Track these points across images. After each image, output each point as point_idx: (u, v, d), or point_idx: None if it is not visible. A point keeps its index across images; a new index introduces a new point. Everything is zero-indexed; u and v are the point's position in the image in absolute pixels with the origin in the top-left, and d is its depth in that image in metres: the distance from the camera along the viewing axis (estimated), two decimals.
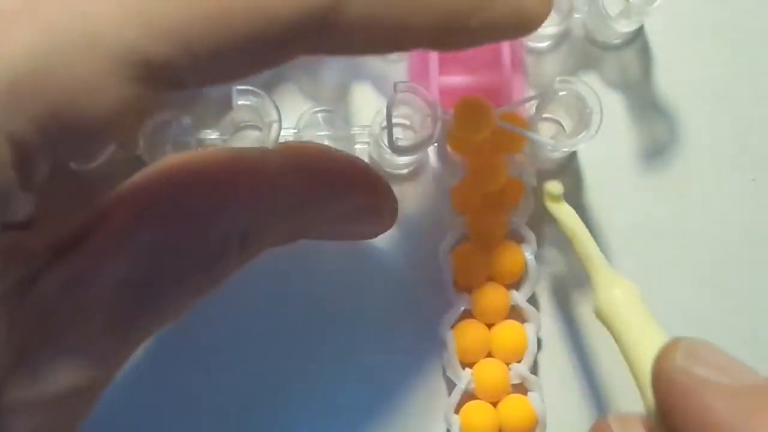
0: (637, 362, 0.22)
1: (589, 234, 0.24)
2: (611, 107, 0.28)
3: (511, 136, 0.25)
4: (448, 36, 0.20)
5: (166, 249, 0.21)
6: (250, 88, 0.25)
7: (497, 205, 0.27)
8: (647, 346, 0.21)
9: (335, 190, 0.24)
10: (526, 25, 0.22)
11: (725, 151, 0.28)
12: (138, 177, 0.22)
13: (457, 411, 0.26)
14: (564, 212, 0.25)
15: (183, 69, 0.17)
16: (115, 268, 0.20)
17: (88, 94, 0.17)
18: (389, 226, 0.26)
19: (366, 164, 0.25)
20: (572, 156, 0.28)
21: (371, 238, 0.26)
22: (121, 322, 0.20)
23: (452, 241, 0.27)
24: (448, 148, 0.26)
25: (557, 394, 0.27)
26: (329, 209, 0.24)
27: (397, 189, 0.28)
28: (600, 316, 0.23)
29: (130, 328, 0.21)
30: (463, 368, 0.26)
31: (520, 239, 0.27)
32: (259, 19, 0.18)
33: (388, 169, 0.28)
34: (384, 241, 0.28)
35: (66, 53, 0.16)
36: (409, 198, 0.28)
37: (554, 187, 0.24)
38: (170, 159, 0.23)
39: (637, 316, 0.22)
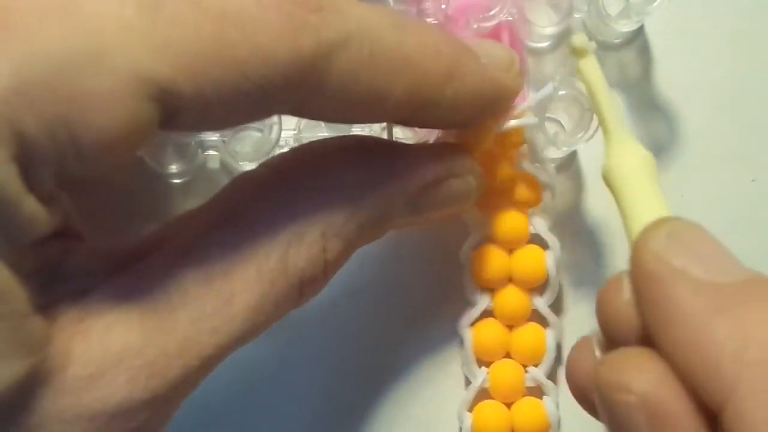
0: (632, 235, 0.20)
1: (608, 94, 0.22)
2: None
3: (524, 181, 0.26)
4: (423, 106, 0.21)
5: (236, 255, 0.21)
6: None
7: (514, 202, 0.26)
8: (647, 219, 0.19)
9: (400, 164, 0.23)
10: (498, 96, 0.23)
11: (725, 151, 0.28)
12: (210, 199, 0.23)
13: (470, 409, 0.26)
14: (588, 67, 0.23)
15: (185, 95, 0.18)
16: (177, 281, 0.20)
17: (95, 106, 0.17)
18: (472, 195, 0.25)
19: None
20: (572, 155, 0.28)
21: (458, 210, 0.26)
22: (177, 327, 0.20)
23: (475, 242, 0.27)
24: None
25: (574, 405, 0.27)
26: (402, 186, 0.23)
27: None
28: (607, 179, 0.21)
29: (188, 336, 0.20)
30: (480, 367, 0.26)
31: (544, 245, 0.27)
32: (257, 53, 0.18)
33: None
34: (405, 239, 0.28)
35: (73, 65, 0.17)
36: None
37: (580, 39, 0.23)
38: (241, 176, 0.23)
39: (643, 187, 0.20)
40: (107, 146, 0.18)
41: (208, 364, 0.21)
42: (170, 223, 0.23)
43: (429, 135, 0.24)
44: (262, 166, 0.23)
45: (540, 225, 0.27)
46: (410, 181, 0.23)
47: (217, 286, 0.20)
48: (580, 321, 0.28)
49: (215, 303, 0.20)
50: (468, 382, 0.27)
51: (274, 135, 0.25)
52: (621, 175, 0.21)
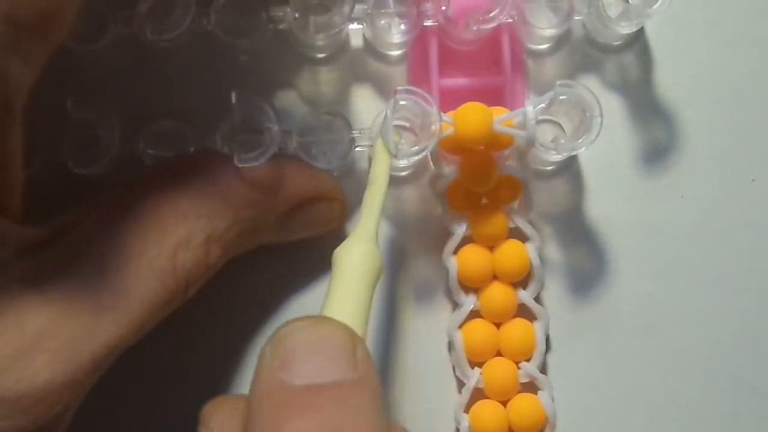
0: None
1: (385, 192, 0.24)
2: (611, 109, 0.28)
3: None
4: None
5: (127, 257, 0.22)
6: (249, 93, 0.25)
7: (495, 203, 0.27)
8: (338, 312, 0.21)
9: (279, 187, 0.25)
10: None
11: (725, 151, 0.28)
12: (107, 191, 0.24)
13: (466, 410, 0.27)
14: (382, 160, 0.24)
15: None
16: (78, 270, 0.22)
17: None
18: (336, 221, 0.27)
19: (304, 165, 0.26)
20: (572, 157, 0.28)
21: (320, 233, 0.27)
22: (82, 315, 0.21)
23: (456, 243, 0.27)
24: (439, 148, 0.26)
25: (567, 393, 0.27)
26: (278, 203, 0.25)
27: (396, 191, 0.28)
28: (333, 260, 0.23)
29: (92, 324, 0.21)
30: (473, 368, 0.27)
31: (524, 238, 0.27)
32: None
33: None
34: (388, 243, 0.28)
35: None
36: (410, 199, 0.28)
37: (383, 144, 0.24)
38: (135, 175, 0.24)
39: (349, 282, 0.22)
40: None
41: (114, 353, 0.22)
42: (73, 212, 0.23)
43: (428, 141, 0.24)
44: (152, 169, 0.25)
45: (519, 218, 0.27)
46: (286, 199, 0.25)
47: (113, 279, 0.22)
48: (570, 317, 0.28)
49: (113, 295, 0.21)
50: (461, 384, 0.27)
51: (273, 138, 0.25)
52: (342, 263, 0.22)
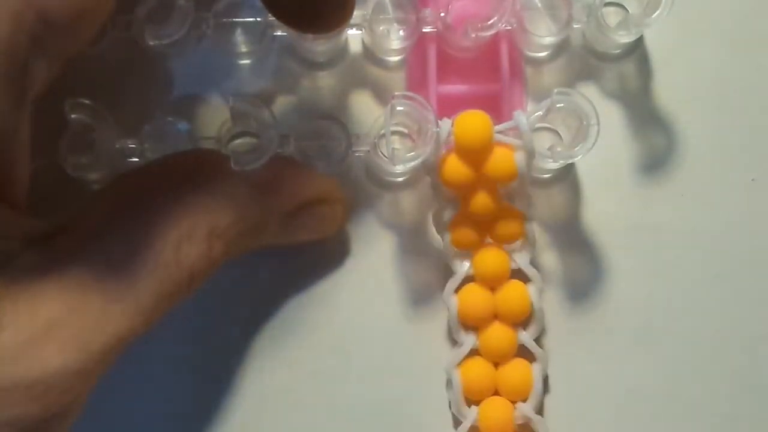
0: None
1: None
2: (610, 117, 0.28)
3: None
4: None
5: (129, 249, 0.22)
6: (247, 97, 0.25)
7: (499, 238, 0.26)
8: None
9: (282, 188, 0.25)
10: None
11: (725, 151, 0.28)
12: (111, 184, 0.24)
13: None
14: None
15: None
16: (85, 262, 0.22)
17: None
18: (338, 223, 0.27)
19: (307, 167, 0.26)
20: (569, 166, 0.28)
21: (323, 235, 0.27)
22: (91, 305, 0.21)
23: (458, 282, 0.26)
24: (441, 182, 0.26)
25: (566, 401, 0.27)
26: (280, 203, 0.25)
27: (393, 196, 0.28)
28: None
29: (102, 314, 0.21)
30: (469, 406, 0.26)
31: (526, 279, 0.26)
32: None
33: (385, 177, 0.28)
34: (386, 251, 0.28)
35: None
36: (407, 205, 0.28)
37: None
38: (136, 169, 0.25)
39: None
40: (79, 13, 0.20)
41: (122, 343, 0.22)
42: (75, 210, 0.24)
43: (424, 148, 0.24)
44: (156, 163, 0.25)
45: (521, 259, 0.26)
46: (288, 199, 0.25)
47: (119, 271, 0.22)
48: (569, 324, 0.28)
49: (119, 286, 0.22)
50: (457, 423, 0.27)
51: (271, 141, 0.25)
52: None
